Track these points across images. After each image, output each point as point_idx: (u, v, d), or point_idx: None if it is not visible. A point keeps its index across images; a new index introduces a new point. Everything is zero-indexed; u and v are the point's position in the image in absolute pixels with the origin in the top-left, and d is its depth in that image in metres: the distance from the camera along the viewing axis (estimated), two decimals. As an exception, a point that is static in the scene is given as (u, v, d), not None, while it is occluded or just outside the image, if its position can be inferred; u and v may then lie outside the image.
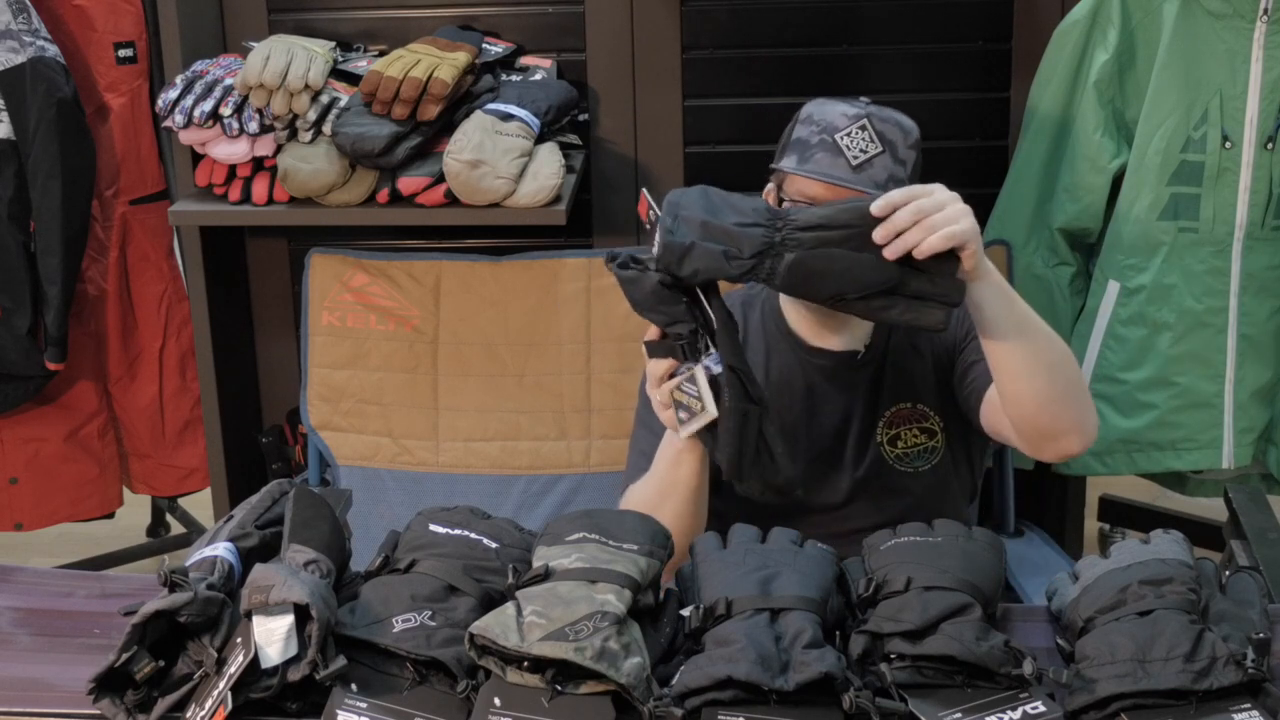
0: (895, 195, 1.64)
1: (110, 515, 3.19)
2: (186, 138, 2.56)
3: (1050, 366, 1.77)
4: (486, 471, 2.69)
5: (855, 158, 1.94)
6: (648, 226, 1.73)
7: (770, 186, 2.06)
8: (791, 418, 2.00)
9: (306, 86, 2.47)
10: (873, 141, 1.95)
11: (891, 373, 2.04)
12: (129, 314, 3.02)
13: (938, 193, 1.65)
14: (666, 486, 1.88)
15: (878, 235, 1.63)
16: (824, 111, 1.99)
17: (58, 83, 2.72)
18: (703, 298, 1.71)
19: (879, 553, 1.54)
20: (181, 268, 3.02)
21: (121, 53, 2.87)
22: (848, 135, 1.95)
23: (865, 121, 1.95)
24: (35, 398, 2.94)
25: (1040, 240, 2.59)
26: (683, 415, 1.74)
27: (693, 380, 1.71)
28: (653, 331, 1.79)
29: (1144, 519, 3.30)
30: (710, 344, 1.71)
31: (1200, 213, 2.43)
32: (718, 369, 1.70)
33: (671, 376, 1.75)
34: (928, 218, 1.62)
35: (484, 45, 2.68)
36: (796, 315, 2.06)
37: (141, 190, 2.96)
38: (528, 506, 2.65)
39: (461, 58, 2.53)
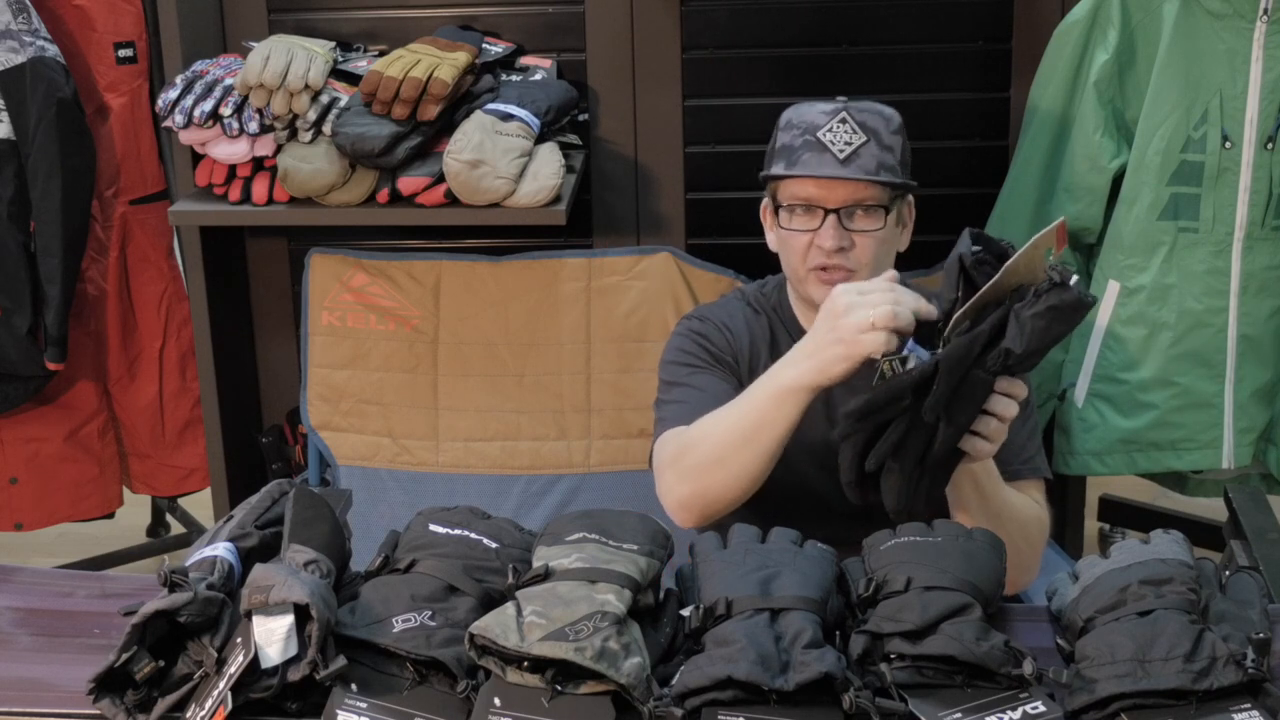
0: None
1: (110, 515, 3.19)
2: (186, 138, 2.56)
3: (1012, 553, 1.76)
4: (486, 471, 2.69)
5: (841, 150, 1.95)
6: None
7: (765, 201, 2.07)
8: (808, 425, 1.98)
9: (306, 86, 2.47)
10: (855, 132, 1.96)
11: None
12: (129, 314, 3.02)
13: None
14: (759, 423, 1.79)
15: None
16: (802, 114, 2.00)
17: (58, 83, 2.72)
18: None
19: (879, 553, 1.54)
20: (181, 268, 3.02)
21: (121, 53, 2.87)
22: (829, 131, 1.96)
23: (844, 114, 1.97)
24: (35, 398, 2.94)
25: (1040, 240, 2.59)
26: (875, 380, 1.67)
27: (904, 361, 1.65)
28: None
29: (1144, 519, 3.30)
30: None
31: (1200, 213, 2.43)
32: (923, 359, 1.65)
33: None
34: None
35: (484, 45, 2.68)
36: (809, 319, 2.03)
37: (141, 190, 2.96)
38: (528, 506, 2.65)
39: (461, 58, 2.53)
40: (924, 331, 1.69)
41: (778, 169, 1.99)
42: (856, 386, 1.73)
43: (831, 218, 1.95)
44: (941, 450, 1.67)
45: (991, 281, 1.63)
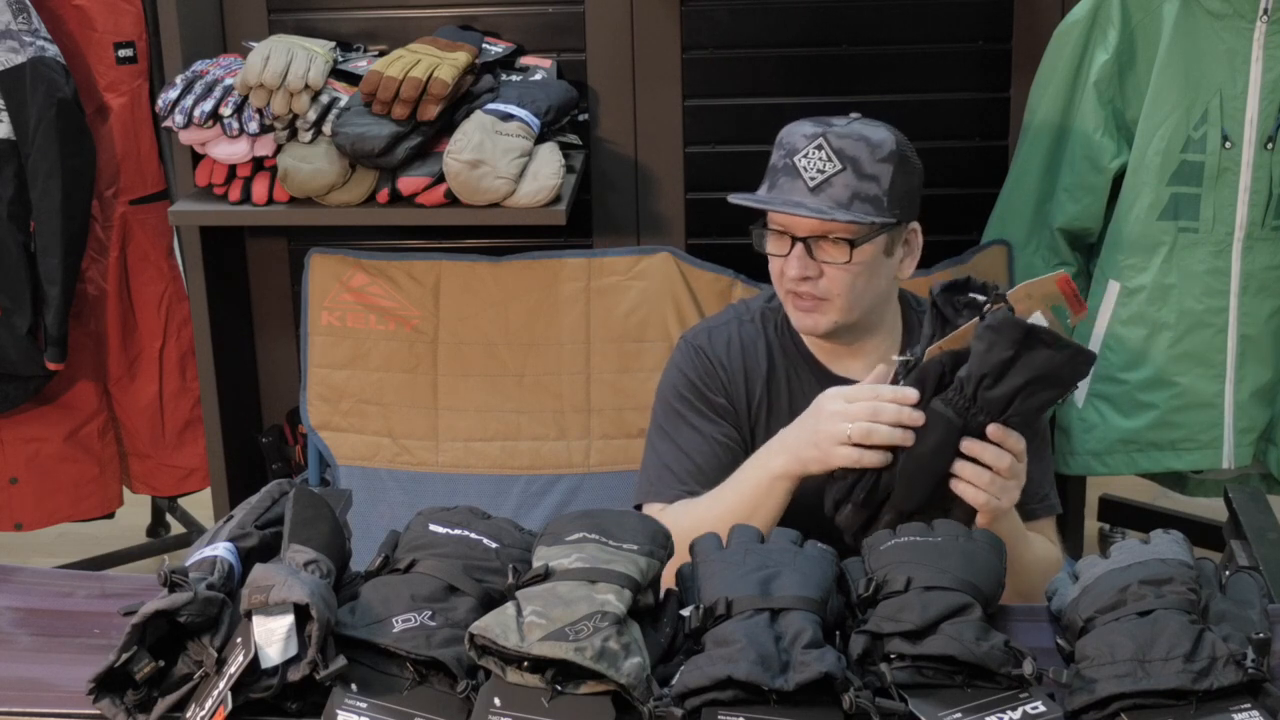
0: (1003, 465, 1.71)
1: (110, 515, 3.19)
2: (186, 138, 2.56)
3: (1021, 596, 1.80)
4: (486, 471, 2.69)
5: (812, 179, 1.91)
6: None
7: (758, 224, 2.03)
8: None
9: (306, 86, 2.47)
10: (830, 160, 1.91)
11: None
12: (129, 314, 3.02)
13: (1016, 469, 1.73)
14: (753, 508, 1.84)
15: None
16: (790, 133, 1.97)
17: (58, 83, 2.72)
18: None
19: (879, 553, 1.54)
20: (181, 268, 3.02)
21: (121, 53, 2.87)
22: (805, 156, 1.92)
23: (821, 140, 1.92)
24: (35, 398, 2.94)
25: (1040, 240, 2.59)
26: None
27: None
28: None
29: (1144, 519, 3.29)
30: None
31: (1200, 213, 2.43)
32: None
33: None
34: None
35: (484, 45, 2.68)
36: (814, 340, 2.05)
37: (141, 190, 2.96)
38: (528, 506, 2.65)
39: (461, 58, 2.53)
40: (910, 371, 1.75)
41: (760, 190, 1.97)
42: None
43: (799, 246, 1.92)
44: (907, 490, 1.72)
45: (971, 321, 1.67)
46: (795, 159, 1.92)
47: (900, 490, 1.73)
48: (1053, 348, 1.67)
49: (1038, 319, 1.67)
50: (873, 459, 1.73)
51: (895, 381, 1.76)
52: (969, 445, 1.72)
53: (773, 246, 1.96)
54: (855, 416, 1.73)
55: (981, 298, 1.76)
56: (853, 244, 1.91)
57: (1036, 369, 1.67)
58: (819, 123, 1.95)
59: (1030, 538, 1.90)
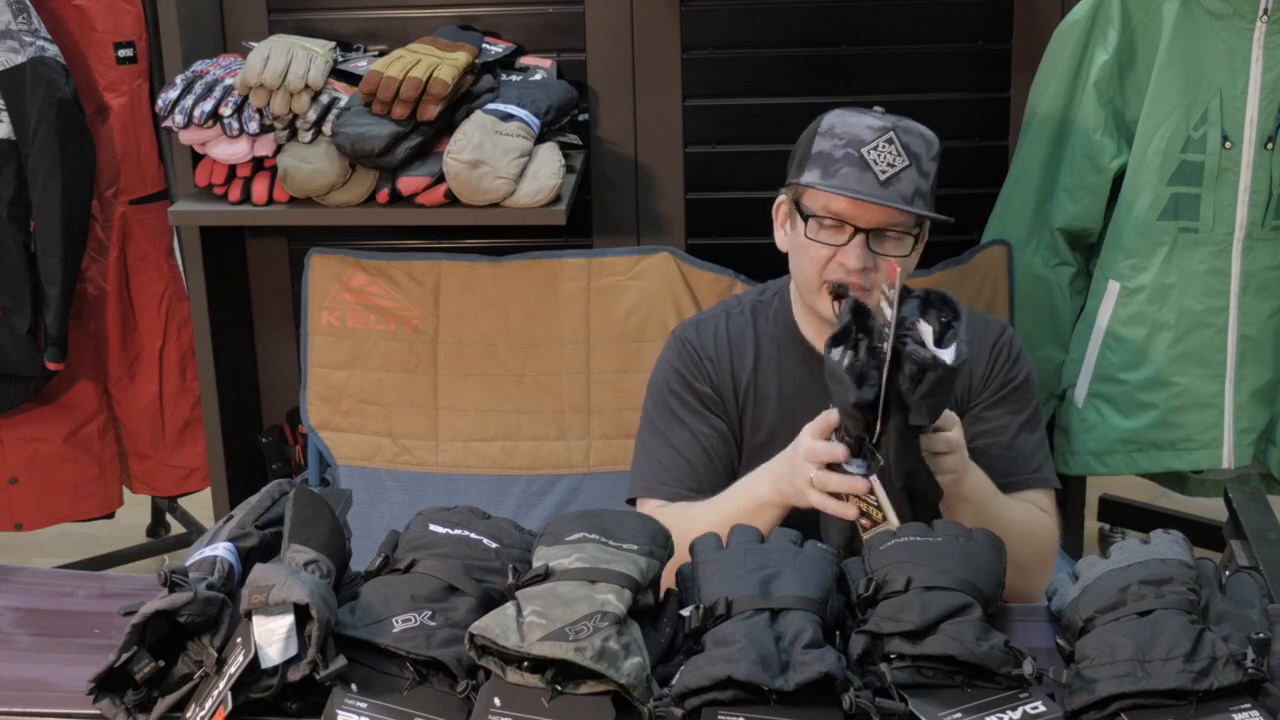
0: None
1: (110, 515, 3.18)
2: (186, 138, 2.56)
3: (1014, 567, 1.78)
4: (486, 471, 2.69)
5: (883, 172, 1.90)
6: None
7: (781, 199, 2.03)
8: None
9: (306, 86, 2.47)
10: (900, 155, 1.91)
11: None
12: (129, 314, 3.02)
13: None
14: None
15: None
16: (847, 124, 1.94)
17: (58, 83, 2.72)
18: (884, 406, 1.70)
19: (879, 553, 1.54)
20: (181, 268, 3.02)
21: (121, 53, 2.87)
22: (874, 149, 1.91)
23: (892, 135, 1.92)
24: (35, 398, 2.94)
25: (1040, 240, 2.59)
26: (864, 522, 1.74)
27: (872, 492, 1.71)
28: (834, 417, 1.75)
29: (1144, 519, 3.29)
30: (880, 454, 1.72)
31: (1200, 213, 2.43)
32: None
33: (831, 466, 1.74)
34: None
35: (484, 45, 2.68)
36: (810, 325, 2.05)
37: (141, 190, 2.96)
38: (528, 506, 2.65)
39: (461, 58, 2.53)
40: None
41: (811, 177, 1.93)
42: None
43: (860, 237, 1.91)
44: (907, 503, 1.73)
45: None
46: (864, 150, 1.91)
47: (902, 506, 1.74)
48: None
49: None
50: (835, 508, 1.74)
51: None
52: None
53: (829, 236, 1.94)
54: (816, 467, 1.75)
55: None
56: (915, 238, 1.95)
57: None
58: (880, 115, 1.95)
59: (1007, 500, 1.91)
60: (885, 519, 1.70)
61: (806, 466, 1.75)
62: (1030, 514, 1.96)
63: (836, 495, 1.73)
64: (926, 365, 1.62)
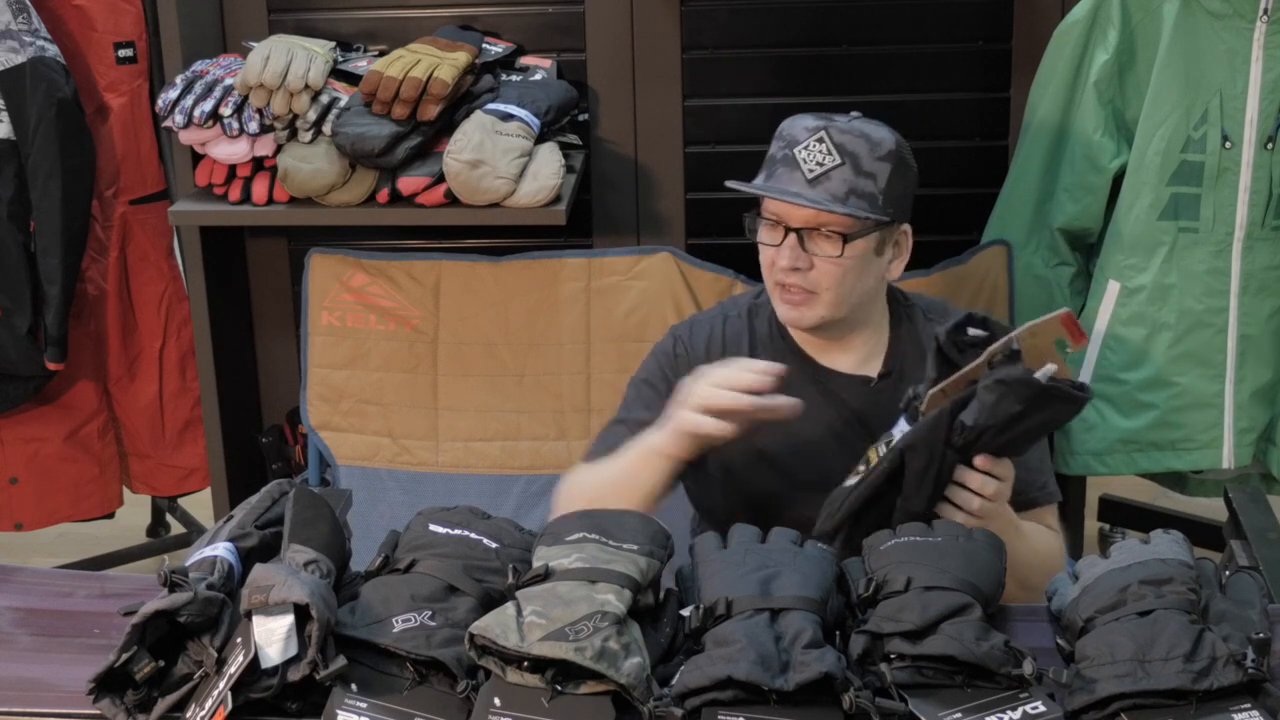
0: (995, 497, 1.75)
1: (110, 515, 3.18)
2: (186, 138, 2.56)
3: (1023, 587, 1.81)
4: (486, 471, 2.69)
5: (811, 171, 1.91)
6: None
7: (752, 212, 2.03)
8: (800, 425, 1.97)
9: (306, 86, 2.47)
10: (830, 154, 1.91)
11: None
12: (129, 314, 3.02)
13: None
14: (626, 482, 1.88)
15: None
16: (791, 126, 1.97)
17: (58, 83, 2.72)
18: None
19: (879, 553, 1.54)
20: (181, 268, 3.02)
21: (121, 53, 2.87)
22: (805, 148, 1.92)
23: (823, 134, 1.92)
24: (35, 398, 2.94)
25: (1040, 240, 2.59)
26: (860, 468, 1.77)
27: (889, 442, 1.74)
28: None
29: (1144, 519, 3.29)
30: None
31: (1200, 213, 2.43)
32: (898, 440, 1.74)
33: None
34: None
35: (484, 45, 2.68)
36: (801, 333, 2.04)
37: (141, 190, 2.96)
38: (528, 506, 2.65)
39: (461, 58, 2.53)
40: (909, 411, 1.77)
41: (758, 180, 1.97)
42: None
43: (791, 236, 1.92)
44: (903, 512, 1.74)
45: (975, 363, 1.66)
46: (795, 150, 1.93)
47: (898, 515, 1.73)
48: (1062, 400, 1.67)
49: (1048, 371, 1.65)
50: (709, 426, 1.79)
51: (899, 416, 1.77)
52: (960, 472, 1.73)
53: (765, 236, 1.96)
54: (707, 384, 1.82)
55: (983, 332, 1.74)
56: (846, 238, 1.91)
57: (1042, 419, 1.69)
58: (821, 117, 1.96)
59: (1027, 529, 1.90)
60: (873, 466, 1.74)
61: (693, 394, 1.81)
62: (1043, 539, 1.95)
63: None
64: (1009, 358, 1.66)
